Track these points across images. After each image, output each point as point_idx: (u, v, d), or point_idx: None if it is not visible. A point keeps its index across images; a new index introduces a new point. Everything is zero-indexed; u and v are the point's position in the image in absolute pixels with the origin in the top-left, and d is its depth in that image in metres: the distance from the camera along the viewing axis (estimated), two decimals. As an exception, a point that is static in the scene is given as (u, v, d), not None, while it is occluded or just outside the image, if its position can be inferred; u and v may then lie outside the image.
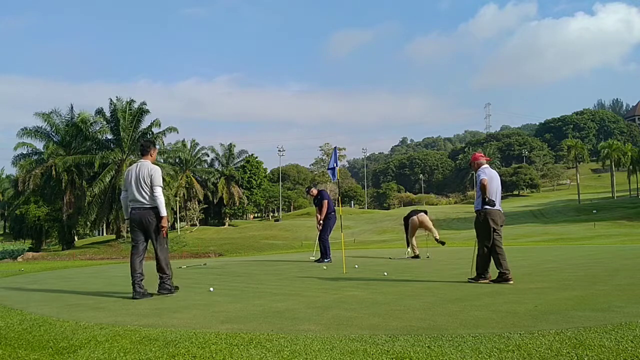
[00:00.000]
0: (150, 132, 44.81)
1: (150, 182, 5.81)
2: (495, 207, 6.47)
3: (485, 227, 6.46)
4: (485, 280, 6.47)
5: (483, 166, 6.70)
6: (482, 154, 6.99)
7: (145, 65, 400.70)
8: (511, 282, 6.26)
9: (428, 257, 11.69)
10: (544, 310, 4.29)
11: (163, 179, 6.22)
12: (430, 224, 11.67)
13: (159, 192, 5.81)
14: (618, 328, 3.46)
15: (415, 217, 11.76)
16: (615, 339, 3.18)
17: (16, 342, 3.61)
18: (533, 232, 37.05)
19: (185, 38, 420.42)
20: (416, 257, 11.49)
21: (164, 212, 5.82)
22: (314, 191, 11.18)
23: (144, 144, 6.23)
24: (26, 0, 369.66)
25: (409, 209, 79.06)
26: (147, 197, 5.81)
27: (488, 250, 6.48)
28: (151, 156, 6.12)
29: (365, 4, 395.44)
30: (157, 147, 6.10)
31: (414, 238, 11.80)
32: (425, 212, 11.98)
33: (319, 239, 11.12)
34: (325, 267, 9.43)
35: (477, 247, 6.70)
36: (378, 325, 3.87)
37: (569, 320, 3.79)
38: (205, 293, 6.15)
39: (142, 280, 5.80)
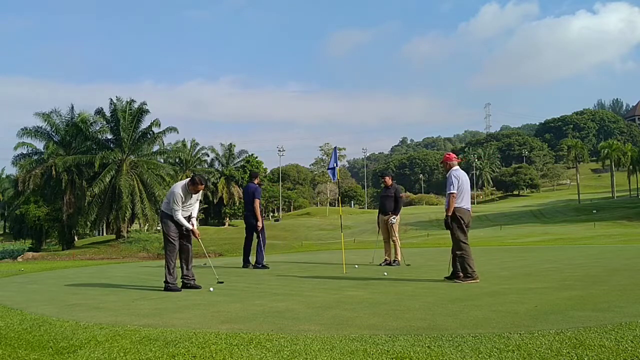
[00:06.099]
0: (151, 132, 44.77)
1: None
2: (464, 207, 6.67)
3: (457, 225, 6.61)
4: (472, 280, 6.48)
5: (454, 167, 6.86)
6: (455, 155, 7.11)
7: (149, 66, 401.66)
8: (462, 282, 6.40)
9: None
10: (544, 310, 4.29)
11: (178, 196, 6.46)
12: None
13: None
14: (618, 328, 3.46)
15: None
16: (615, 339, 3.18)
17: (16, 342, 3.61)
18: (533, 232, 36.98)
19: (189, 40, 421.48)
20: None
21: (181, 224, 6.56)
22: None
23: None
24: (28, 1, 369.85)
25: (410, 209, 78.98)
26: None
27: (466, 247, 6.60)
28: (191, 188, 6.50)
29: (366, 4, 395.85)
30: (200, 184, 6.52)
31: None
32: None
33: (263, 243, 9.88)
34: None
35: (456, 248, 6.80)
36: (378, 325, 3.87)
37: (569, 320, 3.79)
38: (205, 293, 6.16)
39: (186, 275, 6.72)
